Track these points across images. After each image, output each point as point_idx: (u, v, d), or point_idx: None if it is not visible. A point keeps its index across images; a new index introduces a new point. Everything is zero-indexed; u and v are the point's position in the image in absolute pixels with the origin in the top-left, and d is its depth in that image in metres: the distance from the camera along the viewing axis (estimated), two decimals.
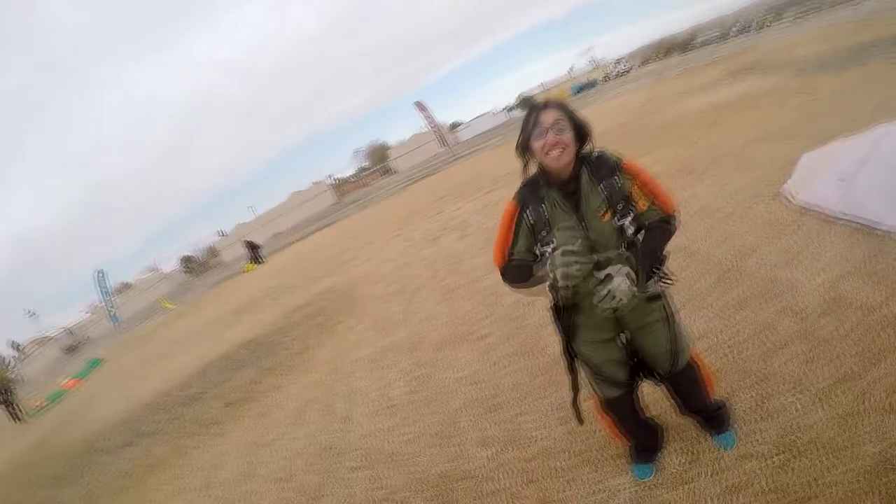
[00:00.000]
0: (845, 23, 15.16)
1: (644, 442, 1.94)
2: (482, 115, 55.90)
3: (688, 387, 1.80)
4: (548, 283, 1.45)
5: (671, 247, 1.64)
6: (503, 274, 1.64)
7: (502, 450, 2.42)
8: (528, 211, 1.54)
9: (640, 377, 1.79)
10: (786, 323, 2.42)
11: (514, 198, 1.60)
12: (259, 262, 19.69)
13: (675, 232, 1.60)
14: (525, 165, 1.59)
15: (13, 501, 5.42)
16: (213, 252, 51.33)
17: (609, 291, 1.44)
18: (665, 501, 1.79)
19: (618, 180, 1.50)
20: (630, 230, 1.52)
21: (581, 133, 1.52)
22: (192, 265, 51.51)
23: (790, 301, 2.57)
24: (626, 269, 1.44)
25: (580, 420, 1.78)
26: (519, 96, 58.79)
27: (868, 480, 1.55)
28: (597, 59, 63.47)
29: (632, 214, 1.51)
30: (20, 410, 11.47)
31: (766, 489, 1.67)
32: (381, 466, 2.74)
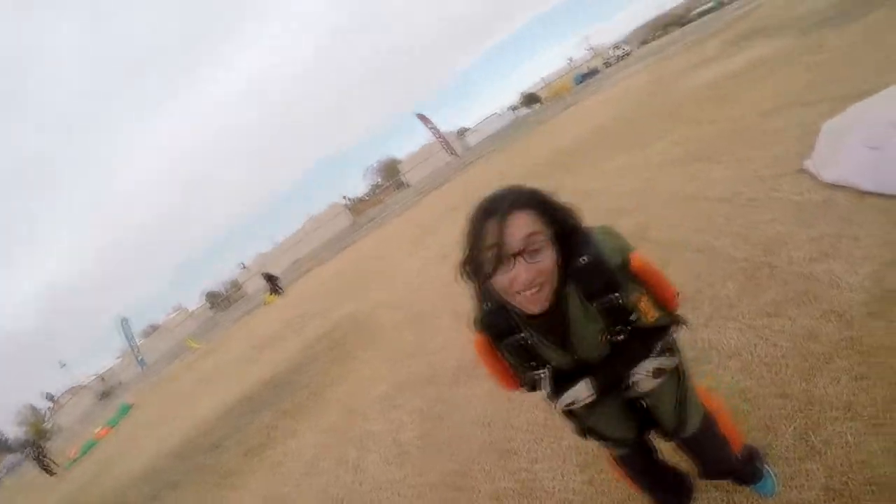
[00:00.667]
0: None
1: (666, 497, 1.63)
2: (488, 117, 55.85)
3: (706, 447, 1.46)
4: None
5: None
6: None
7: None
8: (501, 343, 1.17)
9: (648, 431, 1.44)
10: (829, 330, 2.07)
11: (476, 327, 1.19)
12: (278, 293, 19.68)
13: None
14: (478, 289, 1.15)
15: None
16: (236, 285, 52.12)
17: (567, 396, 1.17)
18: None
19: (620, 296, 1.07)
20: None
21: (565, 233, 1.05)
22: (216, 300, 52.34)
23: (832, 302, 2.22)
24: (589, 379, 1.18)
25: None
26: (521, 94, 58.43)
27: None
28: (594, 46, 62.62)
29: (632, 327, 1.14)
30: (54, 463, 11.69)
31: None
32: None
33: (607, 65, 47.83)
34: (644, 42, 53.23)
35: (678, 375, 1.29)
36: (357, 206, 52.91)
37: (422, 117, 34.99)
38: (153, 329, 51.95)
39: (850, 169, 2.94)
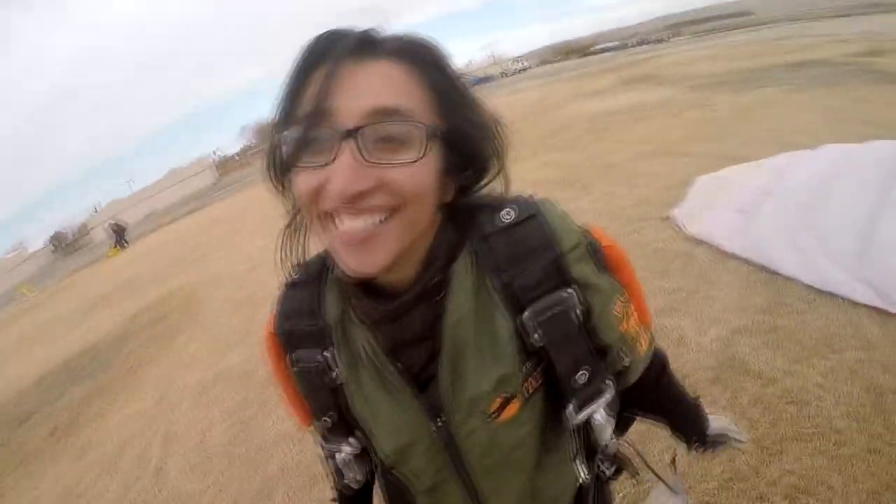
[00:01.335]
0: (744, 45, 16.53)
1: None
2: None
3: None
4: None
5: None
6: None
7: None
8: (296, 367, 0.59)
9: None
10: None
11: (271, 323, 0.63)
12: (123, 247, 18.81)
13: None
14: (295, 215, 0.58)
15: None
16: (84, 230, 45.39)
17: None
18: None
19: (581, 296, 0.53)
20: (604, 431, 0.59)
21: (470, 149, 0.50)
22: (61, 243, 44.52)
23: (676, 361, 2.15)
24: None
25: None
26: None
27: None
28: (496, 54, 64.65)
29: (611, 393, 0.57)
30: None
31: None
32: None
33: (504, 75, 49.36)
34: (544, 62, 56.20)
35: None
36: (226, 165, 50.38)
37: None
38: None
39: (716, 227, 3.00)
